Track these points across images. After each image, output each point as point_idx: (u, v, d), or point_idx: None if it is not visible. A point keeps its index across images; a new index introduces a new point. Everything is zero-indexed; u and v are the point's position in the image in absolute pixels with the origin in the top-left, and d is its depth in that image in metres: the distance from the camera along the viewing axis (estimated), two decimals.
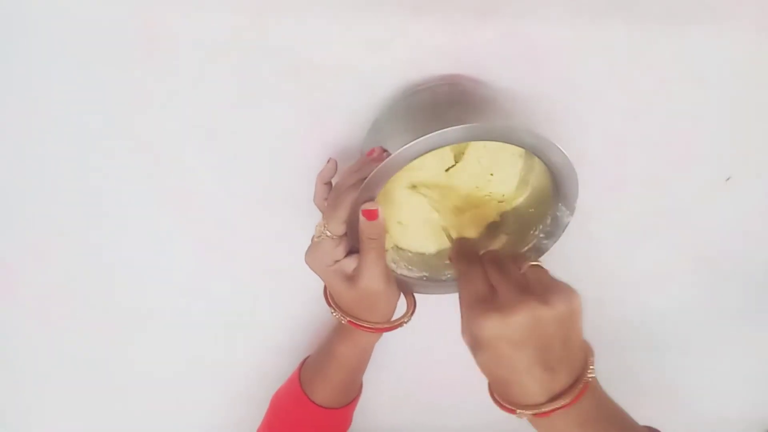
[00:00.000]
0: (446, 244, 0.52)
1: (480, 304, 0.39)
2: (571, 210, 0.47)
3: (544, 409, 0.38)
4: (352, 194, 0.44)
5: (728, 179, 0.56)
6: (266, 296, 0.64)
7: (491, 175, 0.49)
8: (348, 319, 0.50)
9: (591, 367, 0.39)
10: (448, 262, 0.51)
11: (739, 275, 0.63)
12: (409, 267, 0.51)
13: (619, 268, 0.62)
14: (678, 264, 0.63)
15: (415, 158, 0.41)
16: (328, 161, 0.49)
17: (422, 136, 0.40)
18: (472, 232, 0.52)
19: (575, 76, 0.49)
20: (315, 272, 0.49)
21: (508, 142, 0.41)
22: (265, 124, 0.51)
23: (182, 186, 0.55)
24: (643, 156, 0.54)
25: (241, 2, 0.44)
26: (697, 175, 0.56)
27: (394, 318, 0.52)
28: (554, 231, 0.48)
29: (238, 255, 0.60)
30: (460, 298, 0.42)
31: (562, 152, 0.42)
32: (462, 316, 0.41)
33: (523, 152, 0.48)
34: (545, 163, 0.43)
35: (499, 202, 0.51)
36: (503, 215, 0.51)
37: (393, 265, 0.50)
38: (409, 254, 0.52)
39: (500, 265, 0.43)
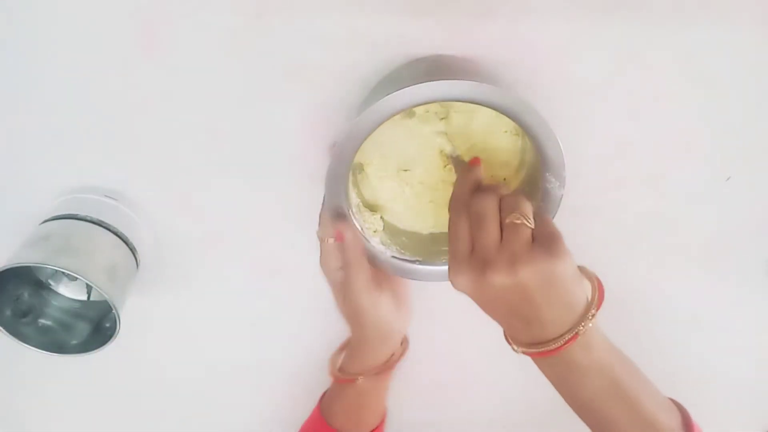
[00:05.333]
0: (440, 227, 0.52)
1: (454, 260, 0.40)
2: (561, 180, 0.44)
3: (531, 350, 0.40)
4: None
5: (728, 179, 0.56)
6: (268, 298, 0.64)
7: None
8: (335, 375, 0.53)
9: (582, 324, 0.38)
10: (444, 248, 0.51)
11: (739, 276, 0.63)
12: (401, 251, 0.50)
13: (618, 268, 0.62)
14: (678, 264, 0.63)
15: (364, 138, 0.41)
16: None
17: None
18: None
19: (575, 76, 0.49)
20: (326, 277, 0.49)
21: (474, 102, 0.40)
22: (264, 124, 0.51)
23: (181, 186, 0.55)
24: (643, 156, 0.54)
25: (241, 2, 0.45)
26: (697, 175, 0.56)
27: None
28: (548, 207, 0.46)
29: (237, 255, 0.60)
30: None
31: (537, 113, 0.40)
32: None
33: (519, 130, 0.48)
34: (522, 126, 0.42)
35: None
36: None
37: (382, 247, 0.49)
38: (403, 239, 0.51)
39: (483, 217, 0.40)
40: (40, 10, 0.45)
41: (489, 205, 0.41)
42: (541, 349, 0.39)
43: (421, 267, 0.50)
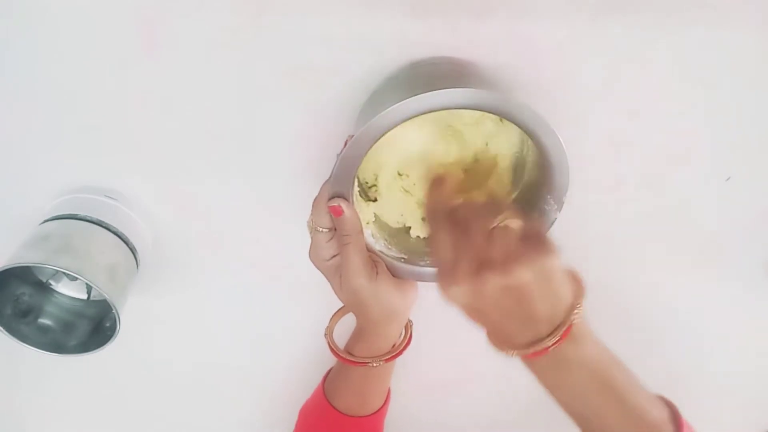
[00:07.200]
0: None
1: (444, 272, 0.40)
2: (560, 204, 0.45)
3: (528, 351, 0.39)
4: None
5: (728, 179, 0.56)
6: (267, 297, 0.64)
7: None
8: (340, 355, 0.52)
9: (575, 312, 0.39)
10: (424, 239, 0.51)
11: (739, 276, 0.63)
12: (388, 246, 0.50)
13: (618, 268, 0.62)
14: (678, 264, 0.63)
15: (377, 139, 0.41)
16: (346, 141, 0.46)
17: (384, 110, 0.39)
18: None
19: (574, 76, 0.49)
20: (318, 269, 0.49)
21: (494, 113, 0.40)
22: (264, 124, 0.51)
23: (181, 186, 0.55)
24: (643, 156, 0.54)
25: (241, 2, 0.44)
26: (697, 175, 0.56)
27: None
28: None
29: (237, 255, 0.60)
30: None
31: (556, 135, 0.40)
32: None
33: (516, 144, 0.48)
34: (537, 146, 0.42)
35: None
36: None
37: (372, 240, 0.49)
38: (389, 230, 0.51)
39: (466, 227, 0.40)
40: (40, 10, 0.45)
41: (471, 213, 0.41)
42: (538, 348, 0.39)
43: (404, 265, 0.49)
